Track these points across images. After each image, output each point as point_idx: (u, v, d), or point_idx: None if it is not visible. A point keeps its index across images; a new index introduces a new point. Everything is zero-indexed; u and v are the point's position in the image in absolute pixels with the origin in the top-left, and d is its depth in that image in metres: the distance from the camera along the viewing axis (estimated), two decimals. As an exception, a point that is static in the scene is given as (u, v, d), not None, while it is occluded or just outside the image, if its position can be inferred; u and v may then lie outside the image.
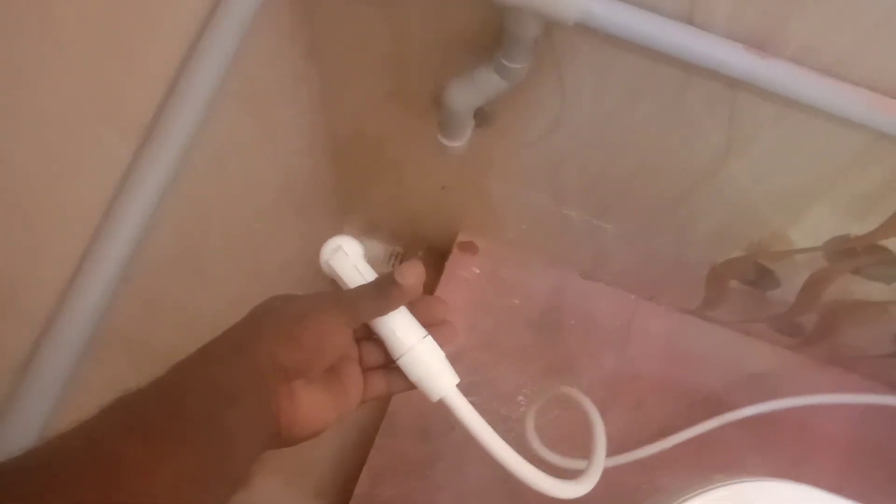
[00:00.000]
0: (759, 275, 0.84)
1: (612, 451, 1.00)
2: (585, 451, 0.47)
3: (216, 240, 0.64)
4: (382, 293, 0.38)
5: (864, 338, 0.91)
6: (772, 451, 1.00)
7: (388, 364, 0.41)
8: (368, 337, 0.42)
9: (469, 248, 1.06)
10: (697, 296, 0.98)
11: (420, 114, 0.75)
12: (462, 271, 1.05)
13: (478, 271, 1.05)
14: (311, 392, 0.37)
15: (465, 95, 0.62)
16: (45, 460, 0.27)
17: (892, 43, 0.48)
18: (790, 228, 0.73)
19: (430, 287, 1.07)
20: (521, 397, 1.00)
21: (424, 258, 1.18)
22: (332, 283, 0.43)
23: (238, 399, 0.33)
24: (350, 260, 0.41)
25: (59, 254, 0.43)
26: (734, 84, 0.55)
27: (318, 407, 0.37)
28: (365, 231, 1.15)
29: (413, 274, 0.37)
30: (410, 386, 0.41)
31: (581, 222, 0.89)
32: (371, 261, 0.43)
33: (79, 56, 0.39)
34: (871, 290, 0.79)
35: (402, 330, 0.40)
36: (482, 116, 0.72)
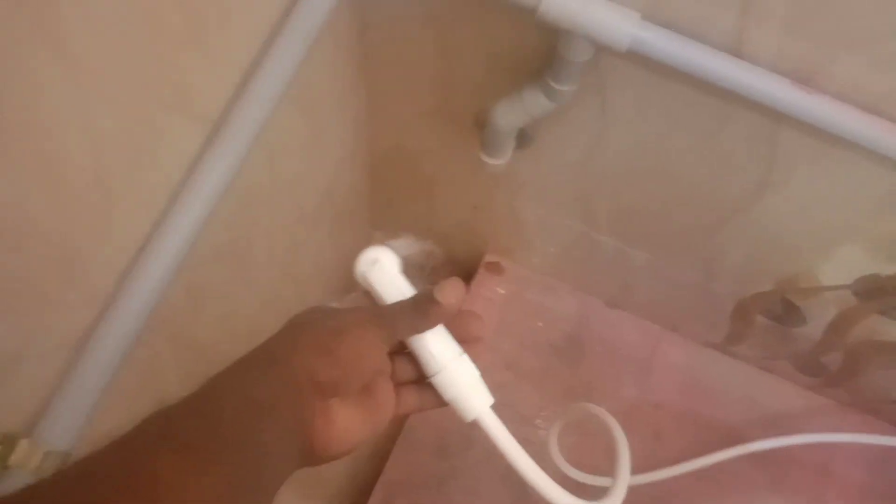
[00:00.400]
0: (786, 311, 0.85)
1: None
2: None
3: (260, 237, 0.66)
4: (421, 311, 0.38)
5: (888, 381, 0.91)
6: (788, 489, 0.99)
7: (421, 379, 0.41)
8: (401, 350, 0.41)
9: (495, 268, 1.08)
10: (722, 329, 0.98)
11: (461, 132, 0.77)
12: (487, 291, 1.07)
13: (503, 292, 1.07)
14: (345, 409, 0.36)
15: (512, 115, 0.64)
16: (83, 476, 0.27)
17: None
18: (821, 265, 0.74)
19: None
20: (538, 420, 1.00)
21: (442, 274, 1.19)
22: (366, 294, 0.42)
23: (274, 414, 0.33)
24: (388, 273, 0.41)
25: (127, 235, 0.45)
26: (778, 118, 0.57)
27: (352, 425, 0.37)
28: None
29: (454, 293, 0.37)
30: (443, 403, 0.40)
31: (611, 248, 0.90)
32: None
33: (161, 48, 0.41)
34: (898, 332, 0.79)
35: (437, 348, 0.39)
36: (523, 137, 0.74)
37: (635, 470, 0.95)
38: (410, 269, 0.44)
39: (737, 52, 0.52)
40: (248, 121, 0.49)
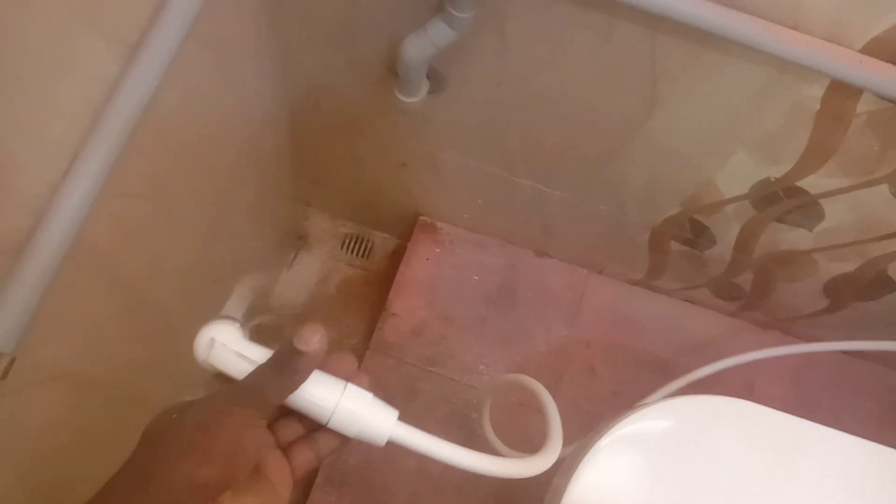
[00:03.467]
0: (695, 232, 0.91)
1: (567, 413, 1.05)
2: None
3: (182, 179, 0.68)
4: (287, 369, 0.35)
5: (798, 294, 0.99)
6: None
7: (309, 431, 0.39)
8: (276, 416, 0.39)
9: (430, 229, 1.12)
10: (643, 265, 1.04)
11: (377, 81, 0.81)
12: (424, 250, 1.11)
13: (438, 250, 1.11)
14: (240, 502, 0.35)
15: (420, 47, 0.68)
16: None
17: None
18: (717, 177, 0.80)
19: (393, 267, 1.13)
20: (482, 366, 1.04)
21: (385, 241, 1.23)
22: (220, 377, 0.39)
23: None
24: (230, 348, 0.38)
25: (55, 147, 0.48)
26: (653, 24, 0.62)
27: None
28: (328, 215, 1.20)
29: (314, 336, 0.34)
30: (342, 442, 0.39)
31: (530, 191, 0.95)
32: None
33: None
34: (796, 238, 0.86)
35: (318, 393, 0.37)
36: (436, 78, 0.78)
37: (573, 401, 0.99)
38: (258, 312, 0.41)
39: (609, -39, 0.58)
40: (161, 48, 0.52)
